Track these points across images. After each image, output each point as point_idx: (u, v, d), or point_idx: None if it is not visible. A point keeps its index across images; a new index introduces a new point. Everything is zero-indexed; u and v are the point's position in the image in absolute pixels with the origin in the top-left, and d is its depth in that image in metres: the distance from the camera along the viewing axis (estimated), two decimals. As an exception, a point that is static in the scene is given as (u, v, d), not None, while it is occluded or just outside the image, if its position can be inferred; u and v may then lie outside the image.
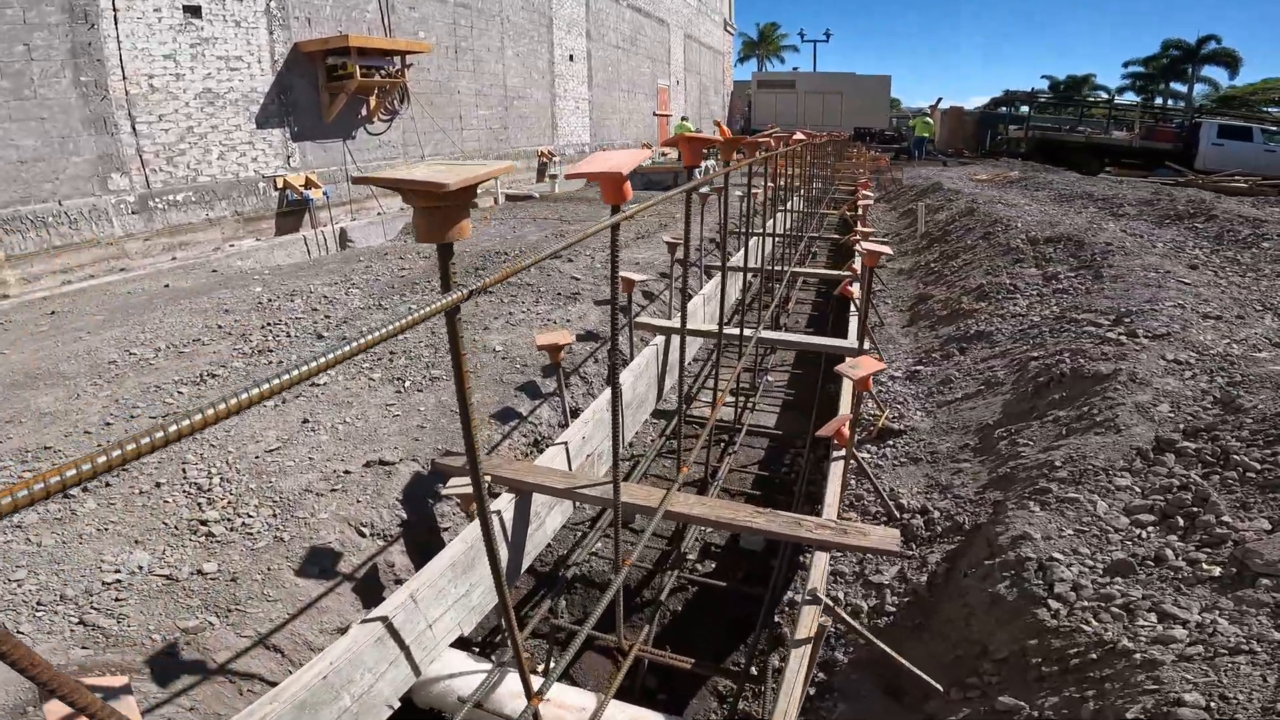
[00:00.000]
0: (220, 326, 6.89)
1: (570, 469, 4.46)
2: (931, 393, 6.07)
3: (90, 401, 5.19)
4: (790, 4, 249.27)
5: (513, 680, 3.48)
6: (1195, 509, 3.55)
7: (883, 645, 3.08)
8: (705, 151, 3.95)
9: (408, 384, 5.41)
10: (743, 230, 6.68)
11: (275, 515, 3.93)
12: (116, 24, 10.31)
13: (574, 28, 24.08)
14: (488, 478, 3.79)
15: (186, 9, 11.14)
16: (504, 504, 3.81)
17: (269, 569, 3.57)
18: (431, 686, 3.50)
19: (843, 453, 4.05)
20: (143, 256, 10.81)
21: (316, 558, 3.73)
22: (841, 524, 3.42)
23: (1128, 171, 28.31)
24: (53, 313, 8.06)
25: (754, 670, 3.93)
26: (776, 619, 4.18)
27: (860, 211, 10.92)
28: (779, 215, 10.10)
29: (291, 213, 12.98)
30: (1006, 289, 7.92)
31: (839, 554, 4.43)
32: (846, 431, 4.00)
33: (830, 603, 2.98)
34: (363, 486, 4.18)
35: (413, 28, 15.88)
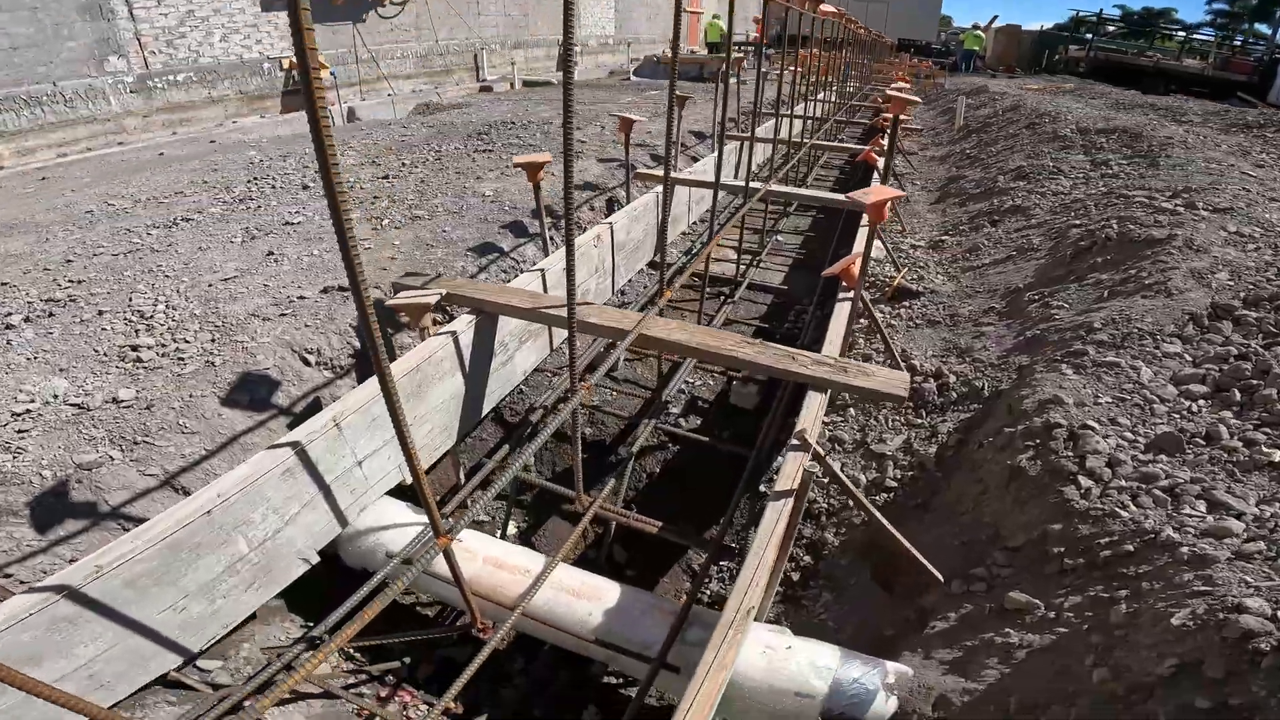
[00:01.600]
0: (205, 182, 6.49)
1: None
2: (956, 259, 5.55)
3: (57, 245, 4.84)
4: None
5: (460, 536, 3.10)
6: (1255, 382, 3.04)
7: (878, 515, 2.63)
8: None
9: (385, 222, 4.99)
10: (750, 114, 6.01)
11: (213, 340, 3.55)
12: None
13: (603, -90, 22.60)
14: (440, 292, 3.37)
15: (178, -110, 10.48)
16: (463, 325, 3.39)
17: (190, 396, 3.14)
18: (360, 540, 3.11)
19: (850, 294, 3.57)
20: (142, 132, 10.68)
21: (249, 385, 3.31)
22: (842, 361, 2.96)
23: (1196, 99, 26.76)
24: (43, 178, 7.77)
25: (730, 543, 3.55)
26: (762, 487, 3.78)
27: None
28: (801, 105, 9.40)
29: (298, 92, 12.50)
30: (1049, 170, 7.24)
31: (837, 408, 3.99)
32: (856, 270, 3.51)
33: (820, 449, 2.54)
34: (314, 311, 3.78)
35: (427, -98, 14.88)
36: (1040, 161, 7.59)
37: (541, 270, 3.91)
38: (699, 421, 4.36)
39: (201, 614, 2.52)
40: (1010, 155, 8.34)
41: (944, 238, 6.17)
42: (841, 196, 5.47)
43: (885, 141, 6.99)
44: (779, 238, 7.17)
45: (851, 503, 3.56)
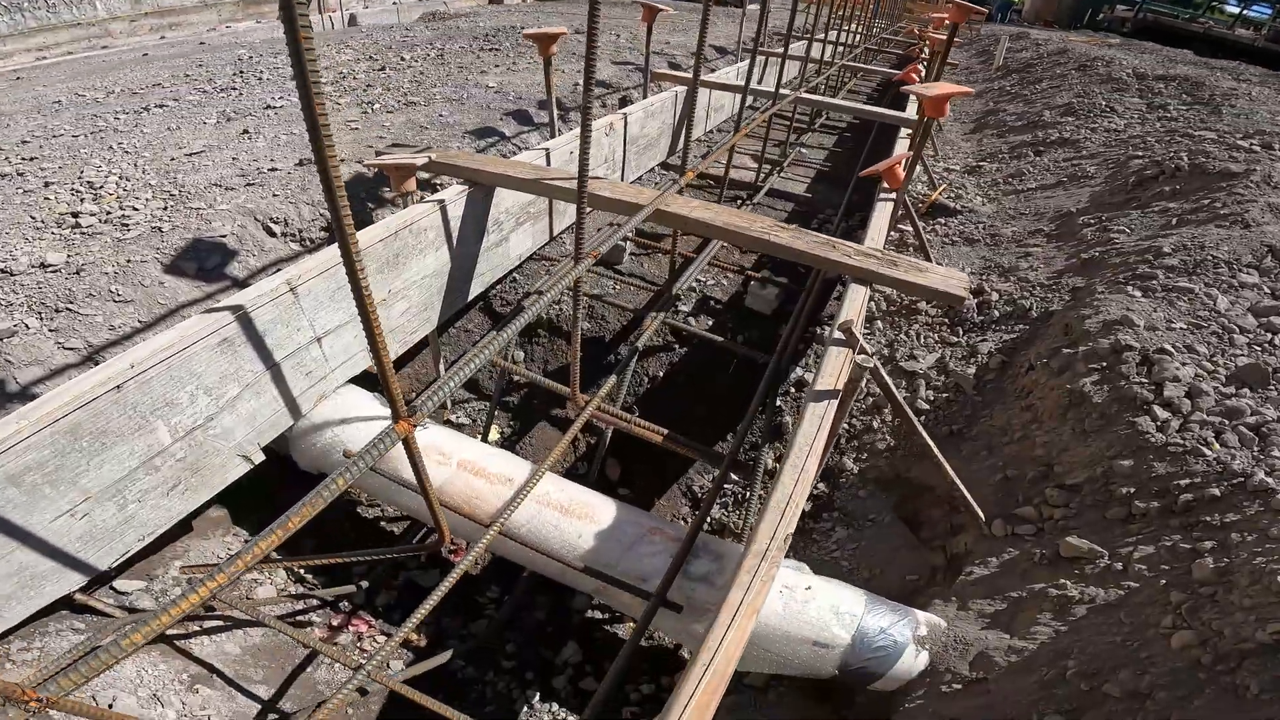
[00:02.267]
0: (188, 75, 5.99)
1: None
2: (997, 183, 5.10)
3: (17, 130, 4.39)
4: None
5: (432, 435, 2.69)
6: None
7: (926, 436, 2.22)
8: None
9: (377, 107, 4.53)
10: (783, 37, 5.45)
11: (165, 208, 3.12)
12: None
13: None
14: (429, 155, 2.93)
15: None
16: (453, 195, 2.95)
17: (128, 261, 2.71)
18: (316, 437, 2.61)
19: (893, 196, 3.13)
20: (128, 36, 10.24)
21: (200, 253, 2.87)
22: (890, 254, 2.53)
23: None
24: (17, 79, 7.28)
25: (744, 458, 3.13)
26: (779, 402, 3.36)
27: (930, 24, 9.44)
28: (839, 31, 8.81)
29: None
30: (1101, 109, 6.70)
31: (879, 291, 3.54)
32: (901, 172, 3.06)
33: (868, 348, 2.12)
34: (285, 181, 3.35)
35: None
36: (1092, 100, 7.03)
37: (546, 149, 3.47)
38: (711, 323, 3.93)
39: (110, 522, 2.02)
40: (1057, 93, 7.78)
41: (981, 164, 5.71)
42: (881, 110, 4.97)
43: (924, 68, 6.49)
44: (803, 149, 6.64)
45: (876, 424, 3.18)
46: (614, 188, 2.80)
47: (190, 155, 3.70)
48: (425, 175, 3.37)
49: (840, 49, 8.38)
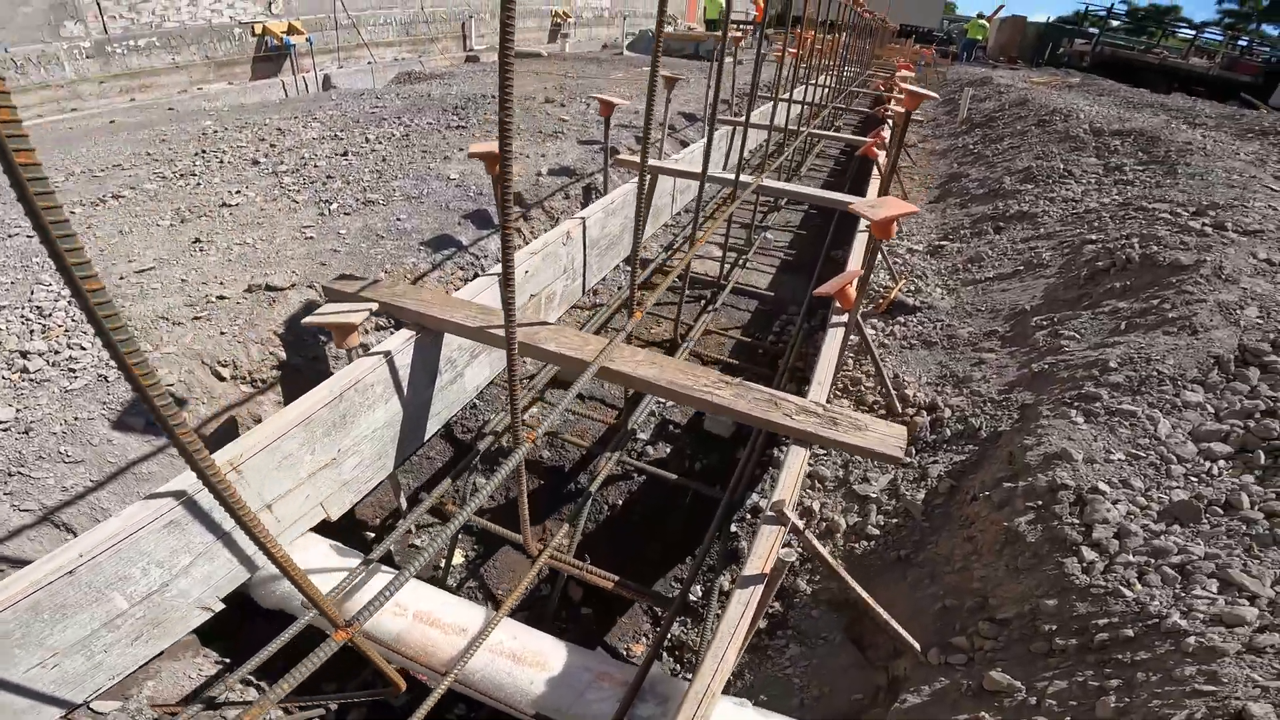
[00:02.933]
0: (149, 154, 5.96)
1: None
2: (956, 269, 5.13)
3: None
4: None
5: (383, 582, 2.70)
6: None
7: (857, 587, 2.25)
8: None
9: (334, 207, 4.51)
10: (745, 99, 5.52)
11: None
12: None
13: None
14: (369, 307, 2.92)
15: None
16: (399, 344, 2.94)
17: (76, 419, 2.70)
18: (276, 585, 2.71)
19: (844, 319, 3.14)
20: (97, 98, 10.17)
21: (142, 408, 2.86)
22: (831, 411, 2.54)
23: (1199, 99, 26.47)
24: None
25: (694, 595, 3.18)
26: (734, 528, 3.38)
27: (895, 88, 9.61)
28: (805, 87, 8.92)
29: (270, 58, 11.99)
30: (1059, 173, 6.82)
31: (822, 451, 3.60)
32: (853, 292, 3.08)
33: (800, 524, 2.13)
34: (234, 315, 3.33)
35: None
36: (1050, 163, 7.16)
37: (498, 275, 3.45)
38: (669, 449, 3.93)
39: (80, 669, 2.20)
40: (1017, 154, 7.90)
41: (943, 242, 5.75)
42: (842, 197, 5.03)
43: (887, 134, 6.57)
44: (768, 235, 6.64)
45: (829, 548, 3.20)
46: (559, 336, 2.79)
47: (140, 273, 3.66)
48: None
49: (807, 107, 8.50)
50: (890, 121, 5.95)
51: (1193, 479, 2.65)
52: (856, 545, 3.16)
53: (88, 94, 9.94)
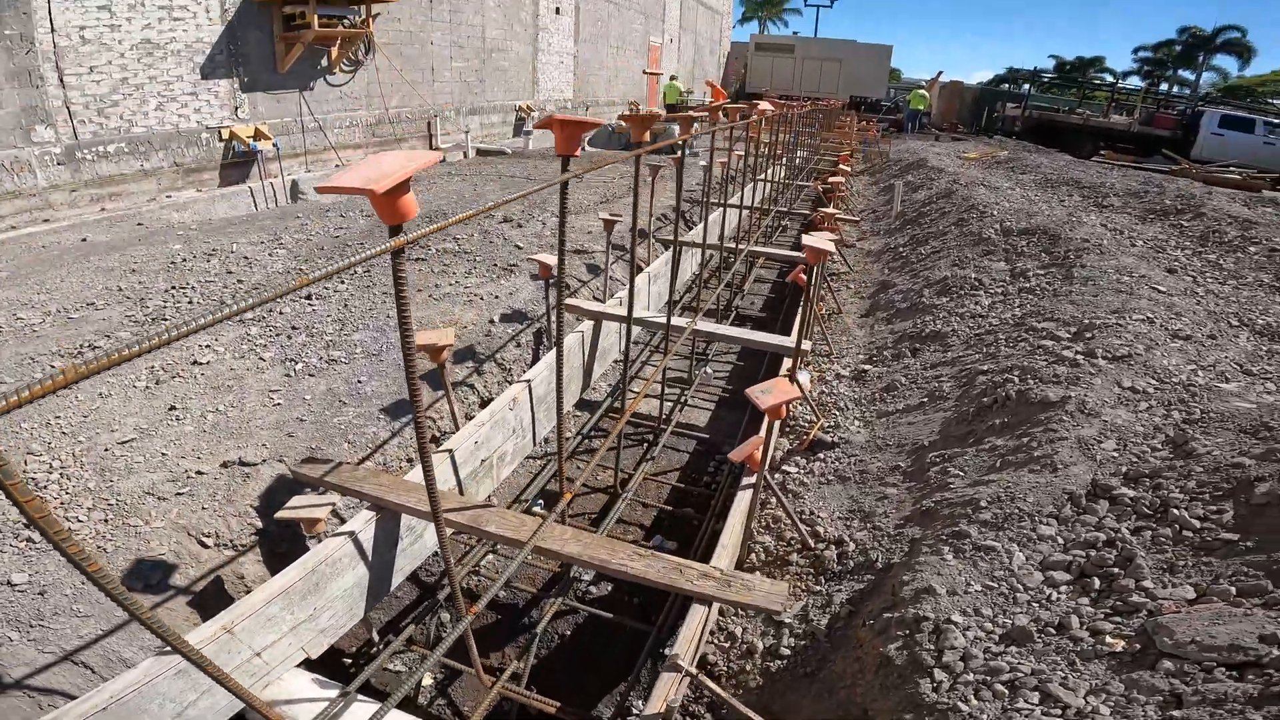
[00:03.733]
0: (120, 289, 6.36)
1: (458, 478, 4.04)
2: (875, 399, 5.66)
3: None
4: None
5: (360, 711, 3.09)
6: (1116, 570, 3.16)
7: (749, 712, 2.68)
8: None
9: (299, 367, 4.94)
10: (704, 201, 6.14)
11: (106, 521, 3.50)
12: (47, -24, 9.67)
13: (563, -20, 22.99)
14: (331, 503, 3.36)
15: (127, -42, 10.38)
16: (361, 524, 3.39)
17: (83, 583, 3.15)
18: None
19: (753, 479, 3.65)
20: (69, 207, 10.30)
21: (143, 572, 3.33)
22: (727, 576, 3.02)
23: (1122, 156, 27.64)
24: None
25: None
26: (665, 651, 3.82)
27: (833, 188, 10.36)
28: (749, 186, 9.61)
29: (238, 164, 12.35)
30: (971, 283, 7.48)
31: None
32: (758, 457, 3.59)
33: (694, 671, 2.58)
34: (214, 491, 3.74)
35: (386, -25, 14.96)
36: (964, 271, 7.84)
37: (450, 452, 3.91)
38: (609, 588, 4.39)
39: None
40: (937, 261, 8.60)
41: (867, 366, 6.29)
42: (768, 339, 5.64)
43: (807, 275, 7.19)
44: (708, 370, 7.03)
45: (749, 666, 3.62)
46: (500, 519, 3.27)
47: (122, 444, 4.05)
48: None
49: (753, 212, 9.17)
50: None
51: (1034, 604, 3.09)
52: (771, 664, 3.58)
53: (59, 203, 10.13)
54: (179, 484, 3.75)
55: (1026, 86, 40.72)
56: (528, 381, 4.68)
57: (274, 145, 12.51)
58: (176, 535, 3.49)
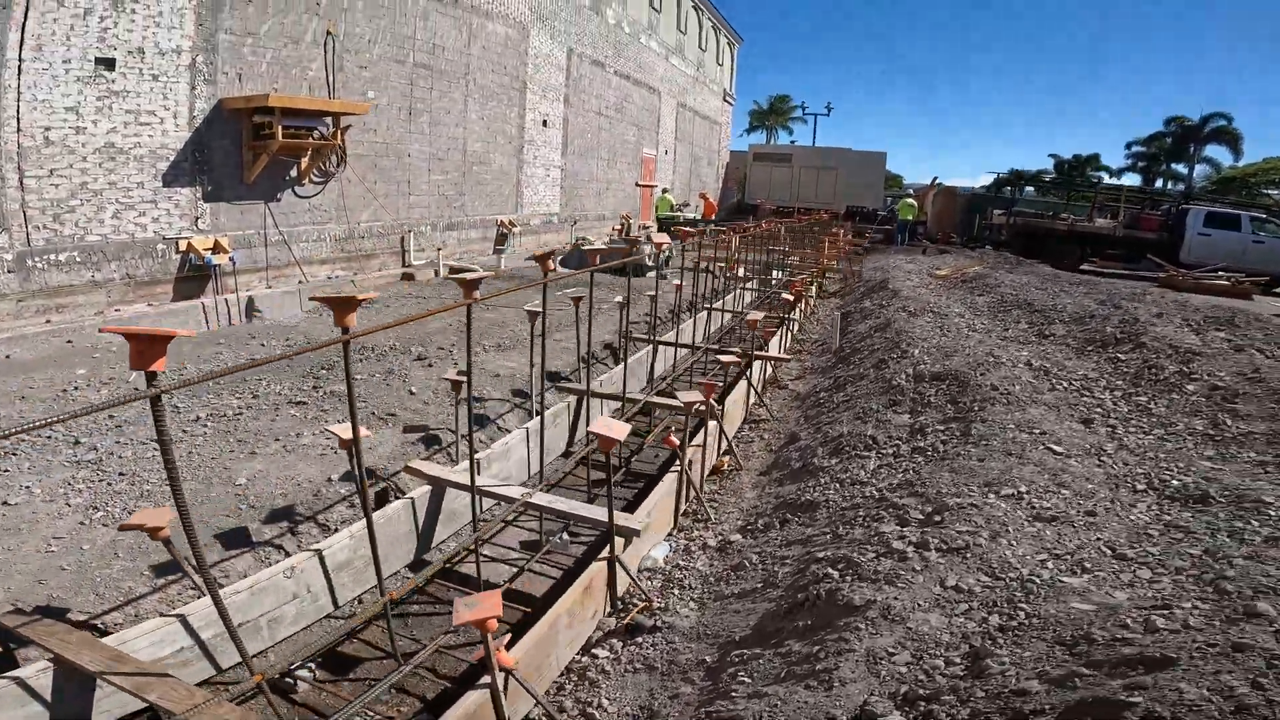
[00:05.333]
0: (51, 437, 6.25)
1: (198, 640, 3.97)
2: (721, 577, 5.47)
3: None
4: (809, 74, 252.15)
5: None
6: None
7: None
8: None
9: (99, 515, 4.92)
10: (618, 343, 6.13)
11: None
12: (20, 74, 10.02)
13: (551, 93, 23.90)
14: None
15: (99, 60, 10.84)
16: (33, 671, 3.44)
17: None
18: None
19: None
20: (14, 319, 10.12)
21: None
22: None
23: (1111, 263, 26.96)
24: None
25: None
26: None
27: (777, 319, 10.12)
28: (700, 315, 9.50)
29: (193, 278, 12.38)
30: (866, 442, 7.30)
31: None
32: (494, 625, 3.44)
33: None
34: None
35: (362, 87, 15.65)
36: (864, 427, 7.66)
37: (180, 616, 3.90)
38: None
39: None
40: (843, 413, 8.46)
41: (736, 536, 6.08)
42: (591, 514, 5.38)
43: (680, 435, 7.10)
44: (564, 537, 6.68)
45: None
46: (167, 689, 3.28)
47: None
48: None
49: (678, 350, 9.11)
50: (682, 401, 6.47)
51: None
52: None
53: (4, 314, 9.99)
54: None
55: (1009, 190, 40.91)
56: (318, 550, 4.67)
57: (230, 260, 12.56)
58: None
